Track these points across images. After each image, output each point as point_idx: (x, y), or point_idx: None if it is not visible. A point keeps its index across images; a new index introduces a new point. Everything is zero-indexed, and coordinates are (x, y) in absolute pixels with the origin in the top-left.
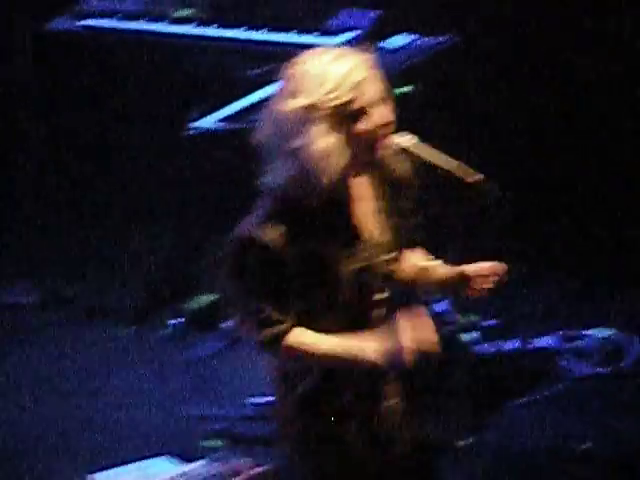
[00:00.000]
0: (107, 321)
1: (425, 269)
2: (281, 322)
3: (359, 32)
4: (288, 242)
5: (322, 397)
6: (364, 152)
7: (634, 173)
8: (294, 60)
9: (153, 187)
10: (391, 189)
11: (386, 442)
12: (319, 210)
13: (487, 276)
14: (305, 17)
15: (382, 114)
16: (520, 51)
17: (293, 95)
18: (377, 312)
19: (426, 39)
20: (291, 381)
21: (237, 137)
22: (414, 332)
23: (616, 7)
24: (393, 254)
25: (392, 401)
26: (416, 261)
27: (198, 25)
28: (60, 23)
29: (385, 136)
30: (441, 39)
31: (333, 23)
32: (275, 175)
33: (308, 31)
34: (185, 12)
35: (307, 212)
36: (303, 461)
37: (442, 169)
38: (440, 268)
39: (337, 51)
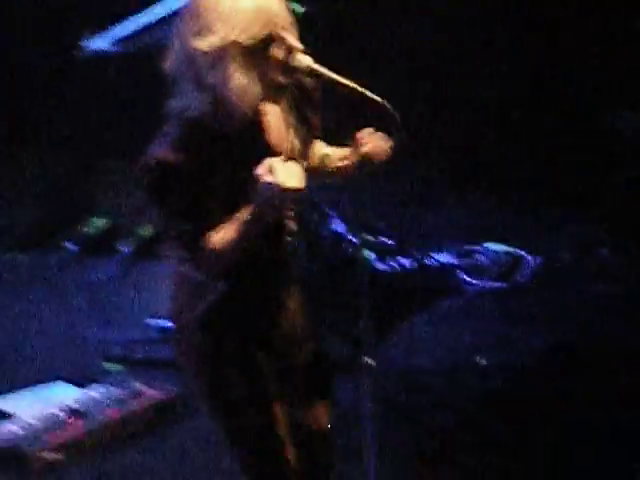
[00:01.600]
0: (1, 246)
1: (327, 155)
2: (200, 234)
3: None
4: (203, 165)
5: (225, 309)
6: (277, 76)
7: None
8: None
9: (47, 109)
10: (299, 103)
11: (286, 353)
12: (235, 135)
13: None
14: None
15: (291, 39)
16: None
17: (205, 32)
18: None
19: None
20: (192, 296)
21: (130, 59)
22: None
23: None
24: (304, 163)
25: (290, 311)
26: (318, 150)
27: None
28: None
29: (289, 61)
30: None
31: None
32: (187, 103)
33: None
34: None
35: (222, 137)
36: (203, 377)
37: (348, 87)
38: (338, 151)
39: None
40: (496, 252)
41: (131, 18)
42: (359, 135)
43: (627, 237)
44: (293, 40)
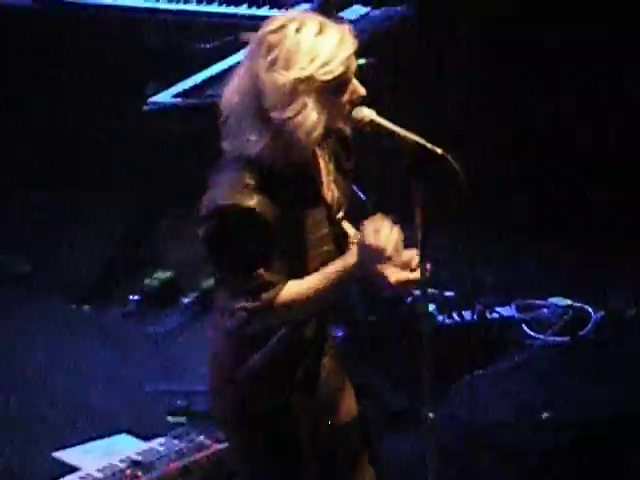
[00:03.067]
0: (65, 297)
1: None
2: (275, 284)
3: (313, 4)
4: (268, 206)
5: (273, 373)
6: (338, 122)
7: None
8: (272, 26)
9: (110, 163)
10: (338, 152)
11: (328, 410)
12: (292, 176)
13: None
14: None
15: (356, 89)
16: (476, 23)
17: (283, 68)
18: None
19: (381, 10)
20: (236, 361)
21: (194, 112)
22: (380, 234)
23: None
24: (342, 212)
25: (330, 370)
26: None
27: None
28: None
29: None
30: (396, 10)
31: None
32: (246, 141)
33: (260, 3)
34: None
35: (280, 179)
36: (253, 441)
37: (409, 139)
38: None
39: (319, 20)
40: (560, 306)
41: (196, 72)
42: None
43: None
44: (360, 87)
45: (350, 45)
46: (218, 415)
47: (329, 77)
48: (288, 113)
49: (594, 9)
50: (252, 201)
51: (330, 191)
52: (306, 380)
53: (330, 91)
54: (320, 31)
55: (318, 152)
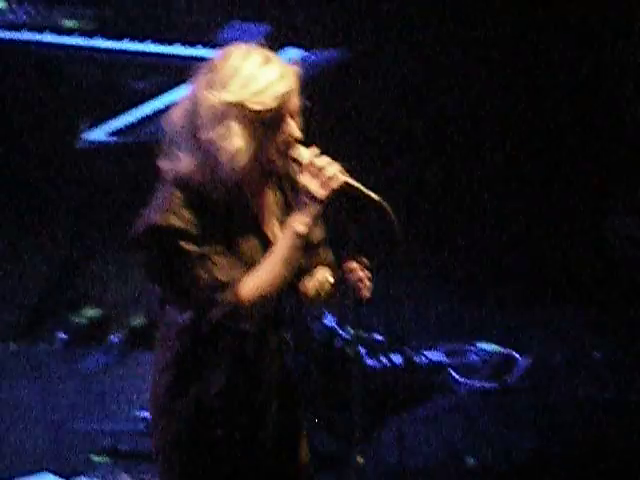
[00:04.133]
0: None
1: (326, 281)
2: (228, 282)
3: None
4: (196, 223)
5: (214, 400)
6: (273, 159)
7: (533, 201)
8: (222, 52)
9: (40, 199)
10: (287, 202)
11: (268, 452)
12: (224, 201)
13: (358, 271)
14: (193, 29)
15: (294, 128)
16: (412, 65)
17: (218, 88)
18: None
19: (318, 53)
20: (177, 383)
21: (126, 150)
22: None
23: None
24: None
25: (274, 410)
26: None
27: (84, 36)
28: None
29: (290, 150)
30: (332, 53)
31: (222, 36)
32: (179, 162)
33: (196, 43)
34: (71, 23)
35: (211, 200)
36: (178, 464)
37: (347, 184)
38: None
39: (266, 54)
40: (487, 351)
41: (130, 110)
42: (350, 268)
43: (620, 340)
44: (296, 129)
45: (289, 83)
46: (156, 446)
47: (259, 107)
48: (213, 134)
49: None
50: (179, 220)
51: (271, 227)
52: (251, 419)
53: (263, 124)
54: (264, 63)
55: (267, 189)
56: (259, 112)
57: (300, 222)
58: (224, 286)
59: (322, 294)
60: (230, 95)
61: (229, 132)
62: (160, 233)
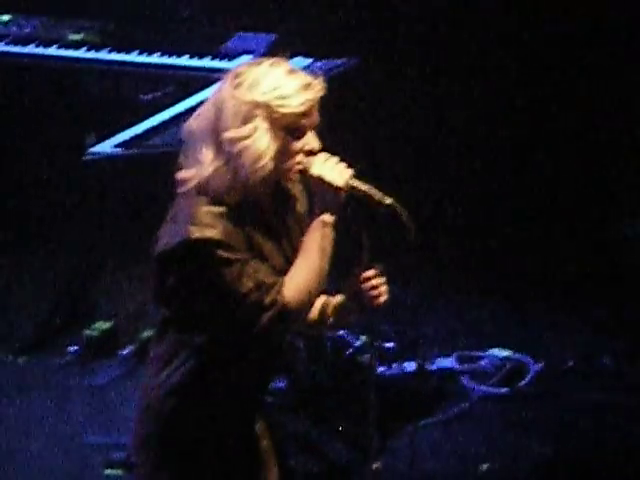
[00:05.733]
0: (1, 349)
1: (327, 305)
2: (274, 283)
3: (255, 55)
4: (230, 231)
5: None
6: (288, 168)
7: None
8: (249, 62)
9: (48, 212)
10: (288, 214)
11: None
12: (241, 207)
13: (373, 278)
14: (200, 40)
15: (311, 141)
16: (422, 76)
17: (246, 89)
18: None
19: (324, 62)
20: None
21: (134, 162)
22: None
23: None
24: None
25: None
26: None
27: (90, 49)
28: None
29: (304, 162)
30: (339, 62)
31: (228, 46)
32: (201, 166)
33: (203, 54)
34: (77, 36)
35: (232, 208)
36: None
37: (359, 189)
38: (336, 298)
39: (291, 66)
40: (499, 358)
41: (137, 122)
42: (364, 277)
43: (632, 345)
44: (315, 140)
45: (315, 92)
46: (145, 468)
47: (286, 110)
48: (239, 133)
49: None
50: (213, 231)
51: (283, 232)
52: (238, 445)
53: (285, 129)
54: (291, 72)
55: (273, 198)
56: (284, 116)
57: (325, 212)
58: (270, 288)
59: (325, 318)
60: (258, 95)
61: (254, 132)
62: (197, 246)
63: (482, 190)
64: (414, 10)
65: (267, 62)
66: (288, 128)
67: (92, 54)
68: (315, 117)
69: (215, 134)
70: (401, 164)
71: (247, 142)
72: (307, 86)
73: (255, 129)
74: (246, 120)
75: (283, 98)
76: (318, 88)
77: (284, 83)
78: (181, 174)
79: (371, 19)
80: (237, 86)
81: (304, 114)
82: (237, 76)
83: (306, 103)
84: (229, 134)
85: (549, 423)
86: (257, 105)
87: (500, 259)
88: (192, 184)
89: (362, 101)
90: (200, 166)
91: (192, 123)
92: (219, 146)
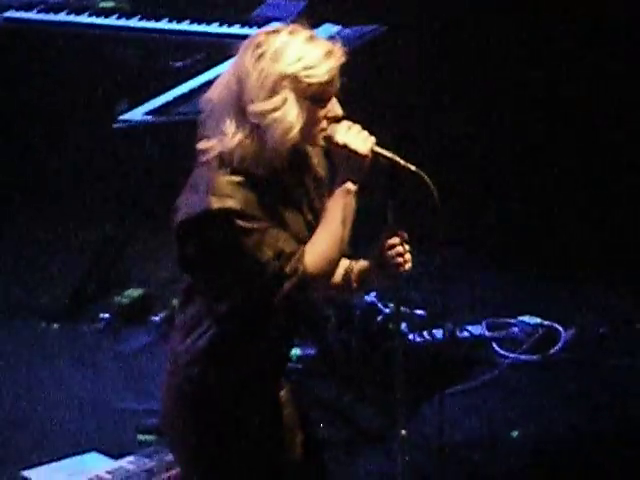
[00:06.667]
0: (34, 316)
1: (351, 269)
2: (294, 252)
3: (284, 23)
4: (250, 201)
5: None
6: (313, 135)
7: (570, 174)
8: (266, 30)
9: (80, 181)
10: (308, 180)
11: (284, 443)
12: (265, 178)
13: (398, 246)
14: (229, 7)
15: (334, 108)
16: (447, 43)
17: (270, 60)
18: None
19: (353, 29)
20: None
21: (165, 130)
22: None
23: None
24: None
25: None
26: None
27: (121, 17)
28: None
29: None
30: (368, 29)
31: (258, 13)
32: (224, 138)
33: (232, 22)
34: (108, 4)
35: (255, 179)
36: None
37: (383, 155)
38: (361, 263)
39: (310, 32)
40: (530, 324)
41: (167, 90)
42: (389, 244)
43: None
44: (338, 107)
45: (337, 58)
46: (174, 432)
47: (313, 80)
48: (268, 106)
49: None
50: (233, 200)
51: (306, 203)
52: (263, 410)
53: (311, 98)
54: (311, 39)
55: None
56: (310, 86)
57: (348, 180)
58: (290, 256)
59: (349, 283)
60: (285, 67)
61: (284, 104)
62: (217, 216)
63: (515, 159)
64: None
65: (285, 30)
66: (313, 97)
67: (122, 22)
68: (337, 81)
69: (238, 106)
70: (425, 129)
71: (277, 114)
72: (330, 53)
73: (284, 101)
74: (274, 92)
75: (309, 68)
76: (340, 54)
77: (307, 52)
78: (202, 144)
79: None
80: (259, 57)
81: (328, 82)
82: (258, 46)
83: (331, 71)
84: (256, 107)
85: (581, 391)
86: (284, 77)
87: (531, 227)
88: (213, 154)
89: (387, 70)
90: (223, 137)
91: (212, 94)
92: (243, 118)
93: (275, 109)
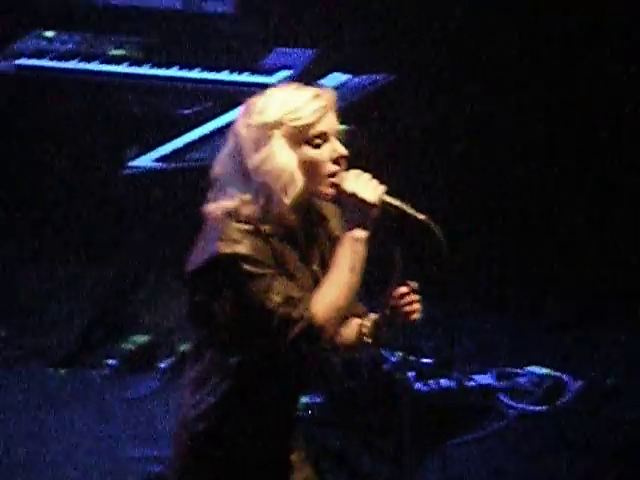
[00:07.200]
0: (41, 362)
1: (364, 326)
2: (302, 298)
3: (294, 71)
4: (259, 252)
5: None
6: (320, 183)
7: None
8: (262, 93)
9: (88, 225)
10: (320, 235)
11: None
12: (271, 230)
13: (408, 295)
14: (239, 56)
15: (336, 147)
16: (455, 91)
17: (257, 114)
18: None
19: (361, 78)
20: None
21: (174, 176)
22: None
23: None
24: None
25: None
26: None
27: (132, 64)
28: None
29: (334, 173)
30: (376, 78)
31: (267, 62)
32: (229, 198)
33: (242, 69)
34: (119, 51)
35: (261, 230)
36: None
37: (415, 219)
38: (371, 317)
39: (298, 85)
40: (537, 375)
41: (177, 137)
42: (399, 293)
43: None
44: (341, 147)
45: (324, 100)
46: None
47: (299, 123)
48: (260, 156)
49: None
50: (242, 247)
51: (312, 255)
52: (269, 471)
53: (304, 141)
54: (296, 89)
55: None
56: (298, 128)
57: (357, 228)
58: (298, 302)
59: (362, 339)
60: (269, 116)
61: (272, 151)
62: (225, 260)
63: (518, 208)
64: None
65: (276, 88)
66: (307, 140)
67: (133, 69)
68: (333, 123)
69: (239, 168)
70: (434, 179)
71: (269, 163)
72: (316, 96)
73: (272, 148)
74: (263, 143)
75: (294, 112)
76: (328, 96)
77: (291, 98)
78: (209, 207)
79: (407, 35)
80: (248, 115)
81: (318, 122)
82: (247, 108)
83: (318, 111)
84: (252, 162)
85: (589, 441)
86: (270, 125)
87: (540, 276)
88: (222, 212)
89: (397, 117)
90: (229, 198)
91: (216, 167)
92: (246, 178)
93: (267, 157)
